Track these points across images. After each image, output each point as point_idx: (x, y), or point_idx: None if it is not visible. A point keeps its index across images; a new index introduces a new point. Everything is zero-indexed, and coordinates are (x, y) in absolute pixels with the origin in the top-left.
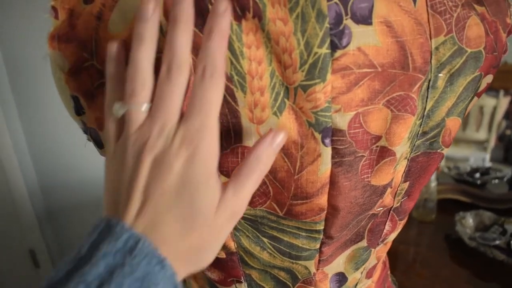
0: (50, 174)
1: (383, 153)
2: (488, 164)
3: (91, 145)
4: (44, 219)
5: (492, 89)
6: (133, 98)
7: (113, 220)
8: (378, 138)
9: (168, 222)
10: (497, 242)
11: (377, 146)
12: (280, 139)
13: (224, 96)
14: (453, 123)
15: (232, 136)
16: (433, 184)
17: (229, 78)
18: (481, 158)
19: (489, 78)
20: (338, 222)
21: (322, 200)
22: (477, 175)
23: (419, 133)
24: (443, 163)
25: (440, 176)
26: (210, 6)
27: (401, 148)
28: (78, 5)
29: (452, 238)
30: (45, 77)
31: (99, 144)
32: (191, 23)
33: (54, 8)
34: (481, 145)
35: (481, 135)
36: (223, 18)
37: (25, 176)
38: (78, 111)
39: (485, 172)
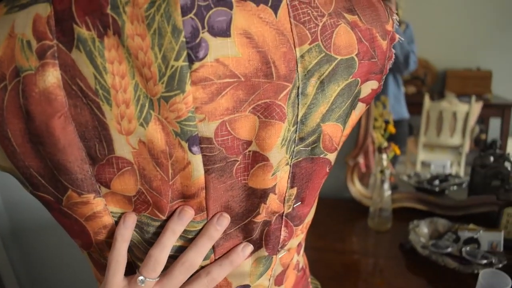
0: (15, 192)
1: (257, 158)
2: (448, 170)
3: None
4: (9, 240)
5: (464, 95)
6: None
7: None
8: (249, 143)
9: None
10: (450, 249)
11: (249, 151)
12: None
13: (92, 109)
14: (333, 129)
15: (105, 147)
16: (387, 193)
17: (94, 93)
18: (442, 165)
19: (373, 84)
20: None
21: (199, 201)
22: (436, 182)
23: (296, 139)
24: (402, 170)
25: (400, 184)
26: None
27: (276, 154)
28: None
29: (406, 247)
30: None
31: None
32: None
33: None
34: (456, 150)
35: (456, 140)
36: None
37: None
38: None
39: (444, 179)
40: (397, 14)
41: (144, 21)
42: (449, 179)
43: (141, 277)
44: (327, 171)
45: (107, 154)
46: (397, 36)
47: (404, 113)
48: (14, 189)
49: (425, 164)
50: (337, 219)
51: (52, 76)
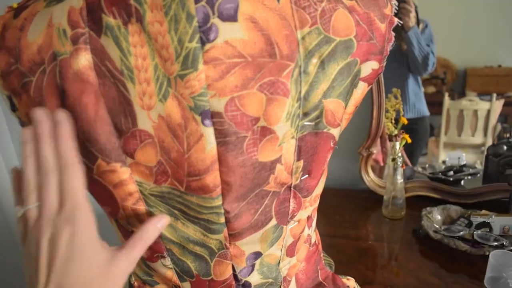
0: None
1: (265, 132)
2: (463, 162)
3: None
4: None
5: (485, 93)
6: (27, 202)
7: None
8: (257, 119)
9: (70, 285)
10: (462, 233)
11: (257, 127)
12: (163, 222)
13: (118, 87)
14: (334, 105)
15: (130, 121)
16: (400, 181)
17: (120, 73)
18: (457, 157)
19: (373, 64)
20: (233, 195)
21: (214, 176)
22: (451, 172)
23: (300, 114)
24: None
25: (417, 175)
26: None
27: (282, 127)
28: (9, 20)
29: (419, 233)
30: None
31: None
32: (51, 135)
33: None
34: (478, 148)
35: (477, 139)
36: (61, 125)
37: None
38: (13, 108)
39: (459, 170)
40: (416, 12)
41: (162, 9)
42: (464, 169)
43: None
44: (331, 145)
45: (131, 127)
46: (396, 19)
47: (425, 111)
48: None
49: (446, 164)
50: (352, 208)
51: (84, 59)
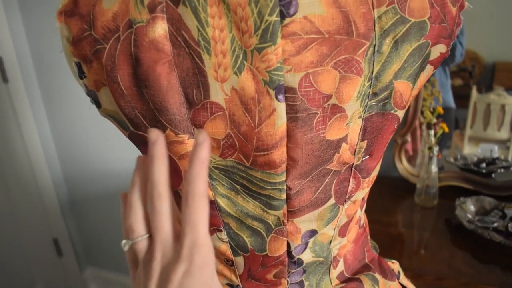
0: (74, 165)
1: (335, 110)
2: (496, 154)
3: (113, 136)
4: (67, 209)
5: None
6: (133, 234)
7: None
8: (329, 97)
9: None
10: (496, 224)
11: (328, 104)
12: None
13: (193, 58)
14: (403, 86)
15: (201, 93)
16: (434, 170)
17: (196, 43)
18: (489, 150)
19: (441, 48)
20: (297, 172)
21: (281, 152)
22: (483, 165)
23: (370, 94)
24: (448, 153)
25: (446, 165)
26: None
27: (352, 106)
28: None
29: (452, 223)
30: (70, 72)
31: (98, 104)
32: (165, 158)
33: None
34: (503, 144)
35: (503, 134)
36: (200, 148)
37: (50, 167)
38: (81, 76)
39: (491, 162)
40: None
41: None
42: (497, 162)
43: None
44: (395, 127)
45: (203, 99)
46: (466, 3)
47: (451, 102)
48: (73, 164)
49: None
50: (384, 195)
51: (161, 28)
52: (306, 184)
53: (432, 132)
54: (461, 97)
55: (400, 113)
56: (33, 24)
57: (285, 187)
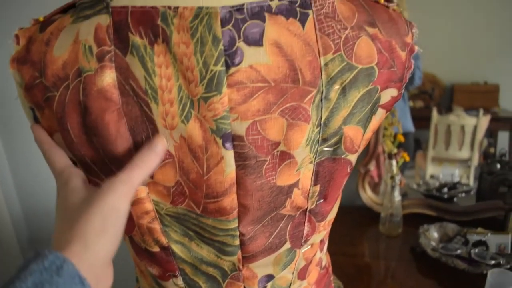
0: (34, 201)
1: (284, 156)
2: (457, 179)
3: None
4: (27, 248)
5: (472, 108)
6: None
7: (40, 249)
8: (277, 144)
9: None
10: (459, 251)
11: (277, 151)
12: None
13: (141, 107)
14: (353, 131)
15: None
16: (397, 199)
17: (144, 92)
18: (450, 174)
19: (392, 92)
20: (249, 218)
21: (231, 198)
22: (445, 189)
23: (319, 140)
24: (411, 183)
25: (409, 191)
26: None
27: (301, 152)
28: (35, 33)
29: (417, 251)
30: None
31: None
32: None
33: (16, 36)
34: (465, 163)
35: (464, 154)
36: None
37: (9, 204)
38: (36, 120)
39: (452, 187)
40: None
41: (188, 31)
42: (458, 186)
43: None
44: (348, 171)
45: None
46: (416, 47)
47: (410, 127)
48: (33, 197)
49: (434, 178)
50: (349, 225)
51: (109, 77)
52: (259, 230)
53: (393, 161)
54: (423, 118)
55: (353, 157)
56: None
57: (238, 233)
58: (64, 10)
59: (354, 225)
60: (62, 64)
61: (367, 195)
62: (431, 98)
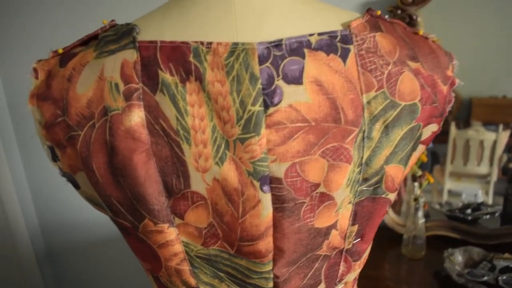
0: (50, 214)
1: (323, 198)
2: (480, 199)
3: None
4: (44, 260)
5: (491, 123)
6: None
7: None
8: (317, 185)
9: None
10: (486, 278)
11: (316, 193)
12: None
13: (172, 147)
14: (395, 170)
15: (181, 182)
16: (421, 221)
17: (175, 132)
18: (473, 194)
19: (433, 127)
20: (285, 260)
21: (267, 242)
22: (469, 211)
23: (360, 180)
24: (429, 198)
25: (431, 212)
26: None
27: (341, 193)
28: (54, 67)
29: (441, 275)
30: None
31: (76, 186)
32: None
33: (35, 70)
34: (483, 179)
35: (483, 169)
36: None
37: (26, 216)
38: (54, 159)
39: (476, 208)
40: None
41: (223, 69)
42: (481, 208)
43: None
44: (387, 209)
45: (183, 188)
46: (457, 80)
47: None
48: (49, 214)
49: (452, 193)
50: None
51: (137, 116)
52: (294, 271)
53: (417, 183)
54: (441, 133)
55: (392, 196)
56: (9, 72)
57: (272, 276)
58: (85, 42)
59: (375, 246)
60: (86, 102)
61: (389, 216)
62: (449, 112)
